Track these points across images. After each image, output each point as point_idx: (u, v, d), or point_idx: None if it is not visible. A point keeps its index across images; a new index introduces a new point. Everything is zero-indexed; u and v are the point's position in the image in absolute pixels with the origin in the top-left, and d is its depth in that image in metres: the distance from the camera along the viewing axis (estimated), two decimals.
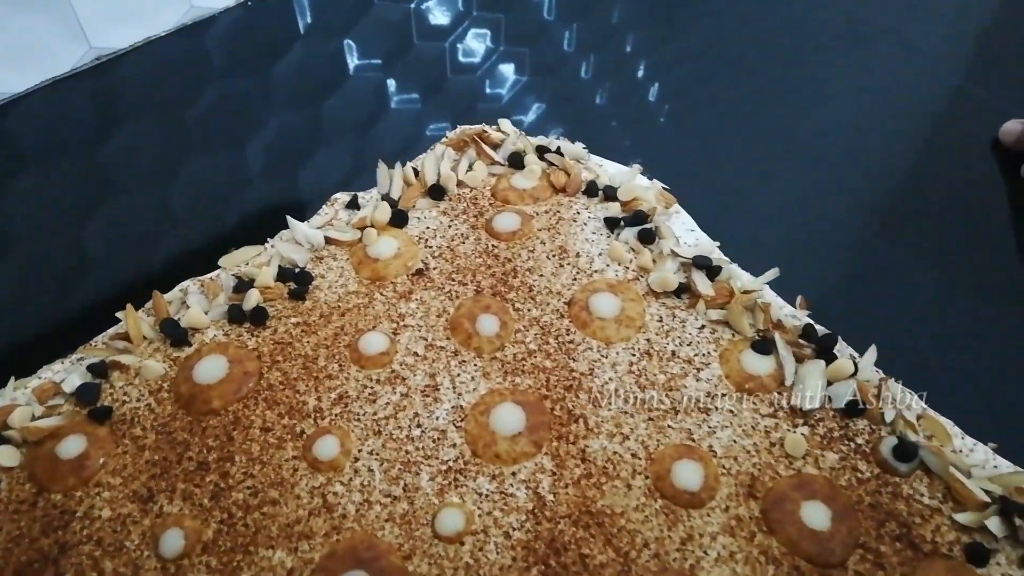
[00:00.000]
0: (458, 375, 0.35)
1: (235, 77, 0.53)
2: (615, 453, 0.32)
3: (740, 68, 0.55)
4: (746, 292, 0.37)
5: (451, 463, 0.32)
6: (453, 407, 0.34)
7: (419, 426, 0.33)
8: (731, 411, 0.34)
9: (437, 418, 0.33)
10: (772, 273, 0.38)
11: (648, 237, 0.39)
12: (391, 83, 0.53)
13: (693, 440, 0.33)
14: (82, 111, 0.51)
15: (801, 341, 0.36)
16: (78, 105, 0.52)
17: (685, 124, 0.51)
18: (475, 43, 0.56)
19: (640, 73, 0.54)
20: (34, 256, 0.43)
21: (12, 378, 0.34)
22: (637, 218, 0.40)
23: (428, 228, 0.40)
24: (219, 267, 0.38)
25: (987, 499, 0.31)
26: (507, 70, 0.54)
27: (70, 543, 0.30)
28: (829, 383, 0.34)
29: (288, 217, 0.39)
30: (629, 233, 0.40)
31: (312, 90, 0.53)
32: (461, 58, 0.55)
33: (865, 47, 0.57)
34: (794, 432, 0.33)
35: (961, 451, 0.33)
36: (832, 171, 0.49)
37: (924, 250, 0.45)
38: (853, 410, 0.34)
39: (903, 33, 0.58)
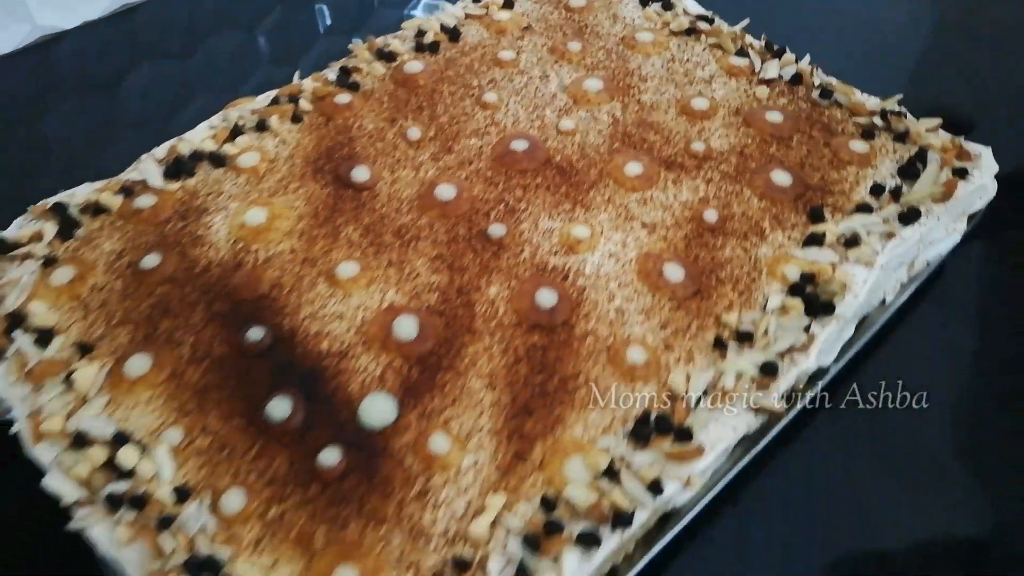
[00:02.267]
0: (558, 71, 0.57)
1: (225, 32, 0.69)
2: (657, 100, 0.55)
3: None
4: (730, 32, 0.60)
5: (561, 106, 0.55)
6: (558, 84, 0.56)
7: (540, 92, 0.56)
8: (724, 82, 0.57)
9: (550, 88, 0.56)
10: (745, 21, 0.61)
11: (668, 6, 0.62)
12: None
13: (702, 94, 0.55)
14: (109, 50, 0.67)
15: (766, 53, 0.59)
16: (105, 44, 0.67)
17: None
18: None
19: None
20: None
21: (298, 71, 0.56)
22: None
23: (528, 12, 0.63)
24: (402, 28, 0.61)
25: (875, 109, 0.54)
26: None
27: (354, 136, 0.52)
28: (782, 68, 0.57)
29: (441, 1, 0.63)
30: (655, 6, 0.63)
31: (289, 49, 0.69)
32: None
33: None
34: (761, 88, 0.56)
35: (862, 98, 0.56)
36: None
37: None
38: (795, 80, 0.57)
39: None
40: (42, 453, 0.38)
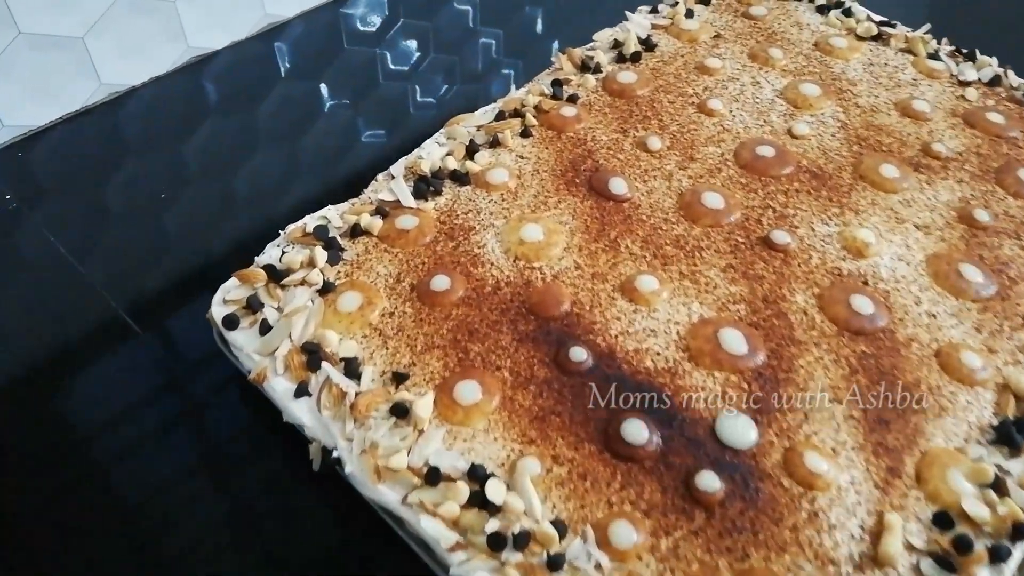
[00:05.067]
0: (767, 77, 0.54)
1: (227, 113, 0.58)
2: (874, 103, 0.52)
3: None
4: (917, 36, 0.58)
5: (783, 111, 0.52)
6: (771, 89, 0.53)
7: (758, 99, 0.52)
8: (928, 85, 0.54)
9: (766, 94, 0.53)
10: (927, 26, 0.59)
11: (848, 12, 0.60)
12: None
13: (916, 96, 0.53)
14: (95, 143, 0.55)
15: (957, 55, 0.56)
16: (92, 137, 0.55)
17: None
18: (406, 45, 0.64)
19: None
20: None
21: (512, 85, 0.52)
22: (838, 4, 0.61)
23: (711, 20, 0.60)
24: (594, 39, 0.57)
25: None
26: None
27: (591, 148, 0.48)
28: (979, 70, 0.55)
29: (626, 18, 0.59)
30: (835, 12, 0.60)
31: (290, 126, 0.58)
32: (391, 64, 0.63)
33: None
34: (970, 90, 0.53)
35: None
36: None
37: None
38: (993, 82, 0.54)
39: None
40: (385, 492, 0.34)
